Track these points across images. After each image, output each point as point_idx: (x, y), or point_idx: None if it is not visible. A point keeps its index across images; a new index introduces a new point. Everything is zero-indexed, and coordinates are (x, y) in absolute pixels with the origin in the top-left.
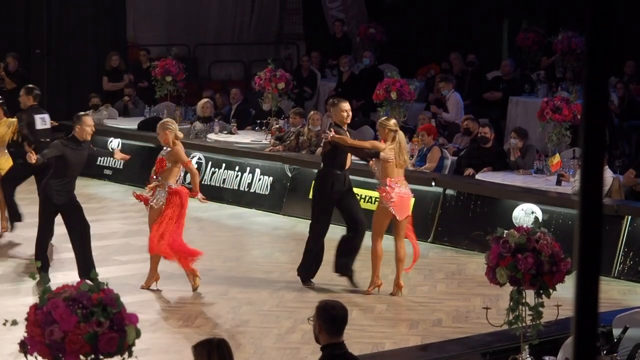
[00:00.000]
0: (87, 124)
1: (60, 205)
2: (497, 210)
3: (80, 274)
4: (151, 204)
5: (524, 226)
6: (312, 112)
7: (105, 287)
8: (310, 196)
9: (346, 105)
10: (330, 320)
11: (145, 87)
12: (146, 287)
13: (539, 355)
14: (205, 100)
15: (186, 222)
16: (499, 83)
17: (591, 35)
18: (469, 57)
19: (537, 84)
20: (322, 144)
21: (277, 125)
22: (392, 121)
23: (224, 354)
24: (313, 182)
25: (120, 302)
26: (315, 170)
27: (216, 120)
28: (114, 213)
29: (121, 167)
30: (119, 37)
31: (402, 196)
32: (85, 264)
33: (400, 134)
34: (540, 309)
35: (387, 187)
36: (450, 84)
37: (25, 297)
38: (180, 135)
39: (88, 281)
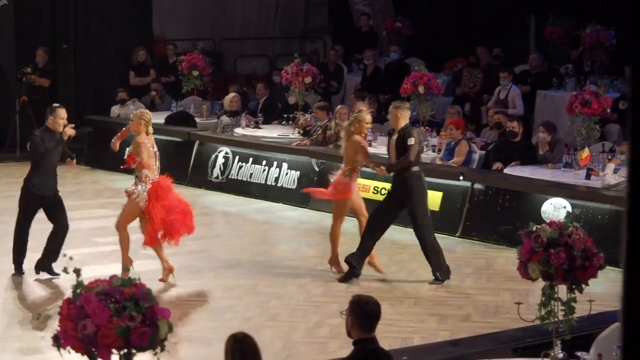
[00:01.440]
0: (61, 116)
1: (46, 197)
2: (526, 204)
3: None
4: (135, 199)
5: (556, 221)
6: (339, 107)
7: (138, 281)
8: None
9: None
10: (364, 315)
11: (172, 82)
12: (165, 279)
13: (571, 350)
14: (233, 94)
15: (213, 216)
16: (526, 77)
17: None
18: (494, 50)
19: (565, 78)
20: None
21: (305, 119)
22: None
23: (247, 350)
24: (397, 184)
25: (153, 297)
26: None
27: (243, 114)
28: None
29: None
30: (145, 32)
31: None
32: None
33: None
34: (573, 304)
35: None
36: (511, 75)
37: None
38: (151, 131)
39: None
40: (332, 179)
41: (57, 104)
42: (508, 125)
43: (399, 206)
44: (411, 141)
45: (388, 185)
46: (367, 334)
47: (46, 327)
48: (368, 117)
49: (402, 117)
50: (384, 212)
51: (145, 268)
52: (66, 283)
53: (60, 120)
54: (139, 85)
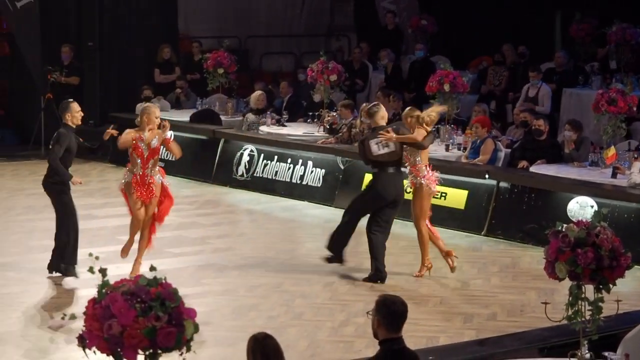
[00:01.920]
0: (76, 109)
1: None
2: (552, 203)
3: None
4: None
5: (584, 220)
6: (364, 105)
7: (164, 281)
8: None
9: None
10: (390, 315)
11: (197, 79)
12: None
13: (598, 350)
14: (259, 92)
15: (238, 215)
16: (552, 75)
17: None
18: (519, 48)
19: (591, 76)
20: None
21: (330, 117)
22: (417, 112)
23: (268, 351)
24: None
25: (179, 297)
26: None
27: (268, 112)
28: None
29: (173, 158)
30: (170, 30)
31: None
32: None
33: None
34: (600, 304)
35: (427, 170)
36: (541, 74)
37: (80, 288)
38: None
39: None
40: None
41: (70, 99)
42: (534, 123)
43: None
44: None
45: None
46: (393, 334)
47: (62, 327)
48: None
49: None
50: None
51: (168, 266)
52: (89, 282)
53: (76, 113)
54: (164, 83)
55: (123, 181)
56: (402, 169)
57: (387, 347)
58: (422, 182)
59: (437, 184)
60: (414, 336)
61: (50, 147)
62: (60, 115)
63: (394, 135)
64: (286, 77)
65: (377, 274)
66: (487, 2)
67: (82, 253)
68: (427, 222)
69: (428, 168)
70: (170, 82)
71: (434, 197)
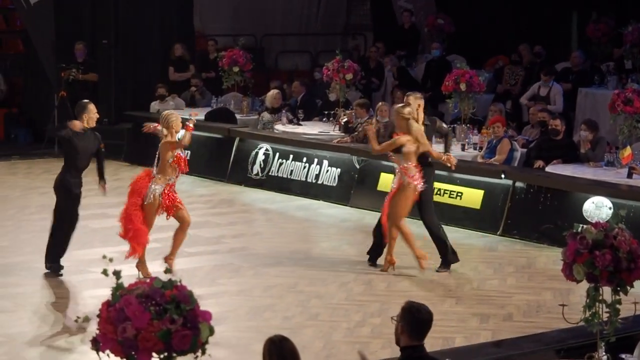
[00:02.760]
0: (94, 111)
1: (77, 195)
2: (567, 203)
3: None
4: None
5: (602, 222)
6: (380, 104)
7: (179, 283)
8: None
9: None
10: (415, 323)
11: (213, 78)
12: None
13: (615, 352)
14: (275, 91)
15: (253, 214)
16: (568, 74)
17: None
18: (535, 48)
19: (607, 76)
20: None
21: (345, 116)
22: (407, 109)
23: (285, 354)
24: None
25: (194, 299)
26: (384, 163)
27: (284, 111)
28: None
29: (189, 157)
30: (186, 28)
31: None
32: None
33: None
34: (618, 306)
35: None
36: (552, 77)
37: (93, 289)
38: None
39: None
40: None
41: (86, 100)
42: (551, 123)
43: None
44: None
45: None
46: (415, 341)
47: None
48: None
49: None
50: None
51: (183, 266)
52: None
53: (93, 115)
54: (178, 81)
55: (156, 193)
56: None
57: (408, 354)
58: (410, 182)
59: (422, 185)
60: (429, 337)
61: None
62: (77, 115)
63: (378, 147)
64: (302, 76)
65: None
66: (503, 2)
67: (95, 253)
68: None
69: (416, 170)
70: (185, 80)
71: (450, 197)
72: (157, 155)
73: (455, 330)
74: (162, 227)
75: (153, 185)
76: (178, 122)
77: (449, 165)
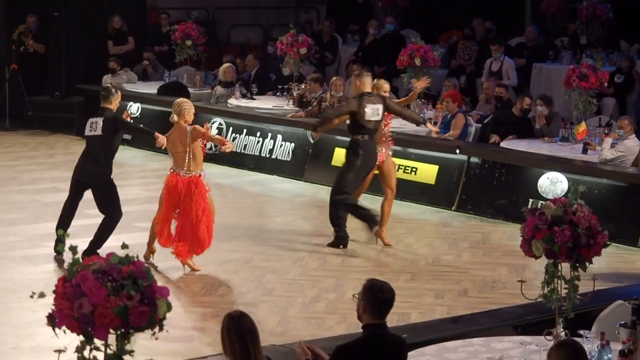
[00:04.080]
0: (120, 97)
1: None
2: (522, 178)
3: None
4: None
5: (557, 197)
6: (334, 78)
7: (136, 259)
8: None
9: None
10: (376, 302)
11: (165, 51)
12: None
13: (574, 328)
14: (227, 64)
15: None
16: (522, 49)
17: None
18: (486, 23)
19: (561, 51)
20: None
21: (301, 92)
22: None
23: (243, 329)
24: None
25: (151, 275)
26: (338, 137)
27: (237, 85)
28: (133, 179)
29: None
30: (138, 1)
31: None
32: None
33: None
34: (577, 282)
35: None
36: (503, 47)
37: (45, 264)
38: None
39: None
40: None
41: (115, 83)
42: (496, 90)
43: None
44: None
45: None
46: (377, 320)
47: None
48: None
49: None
50: None
51: (137, 241)
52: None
53: (119, 100)
54: (119, 54)
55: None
56: None
57: (369, 333)
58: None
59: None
60: None
61: (121, 127)
62: (103, 100)
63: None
64: (254, 50)
65: (340, 240)
66: None
67: (48, 227)
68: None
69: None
70: (124, 53)
71: (404, 172)
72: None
73: (410, 305)
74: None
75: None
76: (191, 112)
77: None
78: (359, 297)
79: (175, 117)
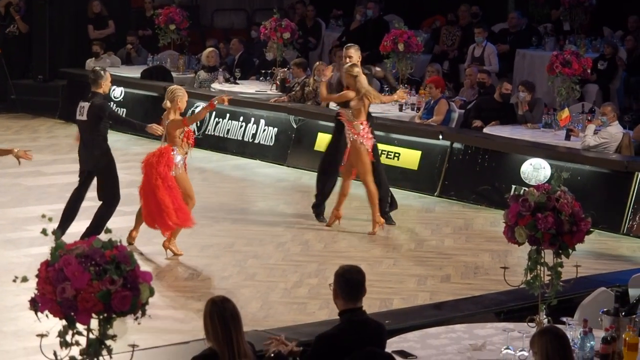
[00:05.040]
0: (110, 79)
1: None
2: (505, 164)
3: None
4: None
5: (539, 183)
6: (317, 63)
7: (119, 243)
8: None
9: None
10: (345, 284)
11: (149, 35)
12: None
13: (556, 315)
14: (210, 49)
15: (190, 173)
16: (505, 35)
17: None
18: (473, 8)
19: (545, 37)
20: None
21: (283, 76)
22: (356, 69)
23: (226, 314)
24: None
25: (134, 260)
26: (321, 122)
27: (220, 69)
28: (116, 163)
29: (124, 115)
30: None
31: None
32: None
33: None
34: (560, 269)
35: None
36: (486, 32)
37: (28, 247)
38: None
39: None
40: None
41: (99, 67)
42: (478, 76)
43: None
44: None
45: None
46: (351, 304)
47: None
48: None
49: None
50: None
51: (120, 225)
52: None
53: (109, 82)
54: (99, 39)
55: (180, 164)
56: None
57: (347, 318)
58: (358, 139)
59: (371, 141)
60: (367, 298)
61: (106, 118)
62: (92, 84)
63: (333, 96)
64: (238, 34)
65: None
66: None
67: (29, 211)
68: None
69: (364, 125)
70: (105, 37)
71: (387, 157)
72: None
73: (393, 291)
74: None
75: (177, 157)
76: (184, 99)
77: (404, 100)
78: (333, 285)
79: (168, 104)
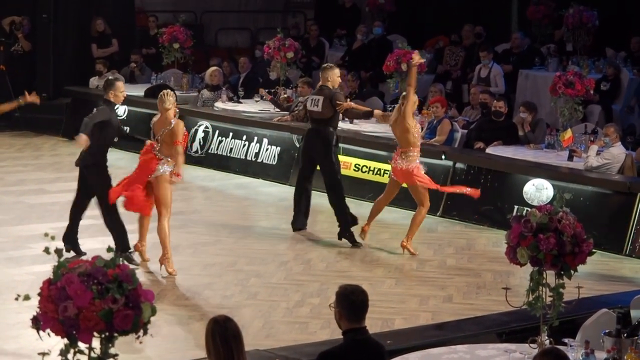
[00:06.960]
0: (121, 89)
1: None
2: (508, 185)
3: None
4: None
5: (542, 204)
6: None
7: (121, 262)
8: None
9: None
10: (349, 305)
11: (153, 54)
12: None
13: (558, 336)
14: (214, 68)
15: (192, 192)
16: (508, 56)
17: None
18: (476, 28)
19: (547, 58)
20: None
21: (285, 95)
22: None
23: (228, 334)
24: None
25: (136, 279)
26: None
27: (224, 88)
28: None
29: (128, 131)
30: (126, 3)
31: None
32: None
33: None
34: (561, 290)
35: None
36: (491, 54)
37: (31, 265)
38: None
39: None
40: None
41: (112, 77)
42: (494, 105)
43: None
44: None
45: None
46: (355, 324)
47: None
48: None
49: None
50: None
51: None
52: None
53: (120, 93)
54: (102, 57)
55: (168, 171)
56: None
57: (350, 338)
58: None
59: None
60: (369, 317)
61: (102, 127)
62: (104, 90)
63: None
64: (242, 53)
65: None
66: None
67: (32, 229)
68: None
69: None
70: (108, 56)
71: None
72: (155, 136)
73: (394, 311)
74: None
75: (162, 167)
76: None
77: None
78: (335, 305)
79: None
